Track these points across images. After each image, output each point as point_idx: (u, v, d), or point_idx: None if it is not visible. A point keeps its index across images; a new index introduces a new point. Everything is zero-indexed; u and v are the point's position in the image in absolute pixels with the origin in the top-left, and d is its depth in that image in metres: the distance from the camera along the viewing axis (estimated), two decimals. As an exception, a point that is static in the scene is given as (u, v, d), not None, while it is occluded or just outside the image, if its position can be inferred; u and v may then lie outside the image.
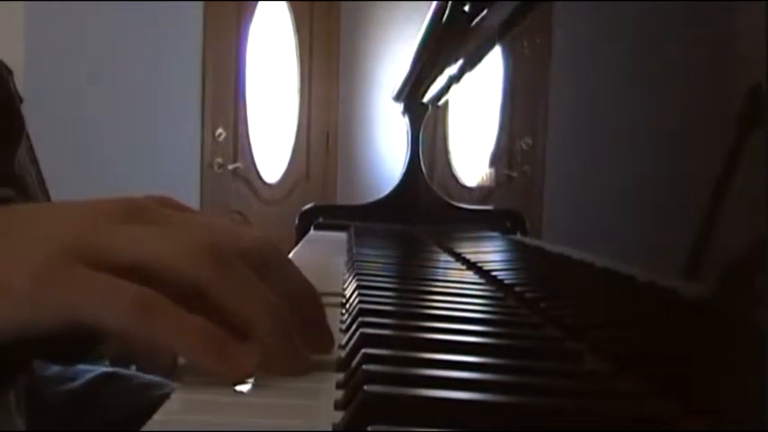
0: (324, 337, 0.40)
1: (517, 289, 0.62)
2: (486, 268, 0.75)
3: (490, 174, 0.94)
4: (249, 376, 0.33)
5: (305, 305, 0.39)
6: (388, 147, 3.46)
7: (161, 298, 0.33)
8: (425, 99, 1.44)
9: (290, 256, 0.85)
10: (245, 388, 0.34)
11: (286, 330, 0.35)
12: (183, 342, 0.33)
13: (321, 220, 1.41)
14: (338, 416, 0.30)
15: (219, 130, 3.42)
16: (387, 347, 0.38)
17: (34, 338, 0.34)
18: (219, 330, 0.33)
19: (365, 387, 0.30)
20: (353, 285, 0.58)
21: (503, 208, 0.87)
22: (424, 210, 1.38)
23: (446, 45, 1.12)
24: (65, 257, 0.33)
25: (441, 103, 1.42)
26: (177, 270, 0.34)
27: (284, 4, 3.76)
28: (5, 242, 0.35)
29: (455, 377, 0.34)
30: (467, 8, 0.94)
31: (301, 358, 0.37)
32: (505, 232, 0.81)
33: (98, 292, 0.32)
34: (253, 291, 0.35)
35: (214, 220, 0.38)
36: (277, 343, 0.35)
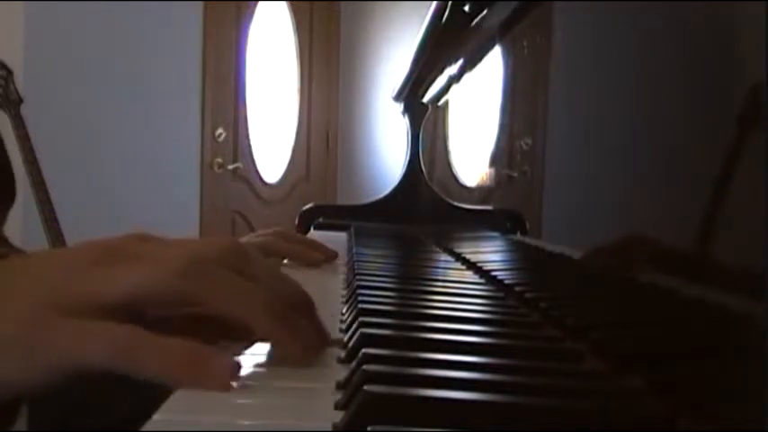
0: (316, 332, 0.40)
1: (517, 289, 0.62)
2: (486, 268, 0.75)
3: (490, 174, 0.94)
4: (229, 386, 0.34)
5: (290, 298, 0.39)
6: (388, 147, 3.46)
7: (138, 331, 0.34)
8: (425, 99, 1.44)
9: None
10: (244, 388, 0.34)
11: (281, 317, 0.36)
12: (165, 370, 0.34)
13: (321, 220, 1.41)
14: (338, 416, 0.30)
15: (219, 131, 3.42)
16: (387, 347, 0.38)
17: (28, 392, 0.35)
18: (198, 346, 0.34)
19: (365, 387, 0.30)
20: (353, 285, 0.58)
21: (503, 208, 0.87)
22: (424, 210, 1.38)
23: (446, 45, 1.12)
24: (49, 308, 0.34)
25: (441, 103, 1.42)
26: (161, 291, 0.35)
27: (284, 4, 3.76)
28: None
29: (455, 377, 0.34)
30: (467, 8, 0.94)
31: (309, 339, 0.37)
32: (505, 232, 0.81)
33: (80, 338, 0.34)
34: (239, 289, 0.36)
35: (185, 240, 0.39)
36: (277, 332, 0.36)
